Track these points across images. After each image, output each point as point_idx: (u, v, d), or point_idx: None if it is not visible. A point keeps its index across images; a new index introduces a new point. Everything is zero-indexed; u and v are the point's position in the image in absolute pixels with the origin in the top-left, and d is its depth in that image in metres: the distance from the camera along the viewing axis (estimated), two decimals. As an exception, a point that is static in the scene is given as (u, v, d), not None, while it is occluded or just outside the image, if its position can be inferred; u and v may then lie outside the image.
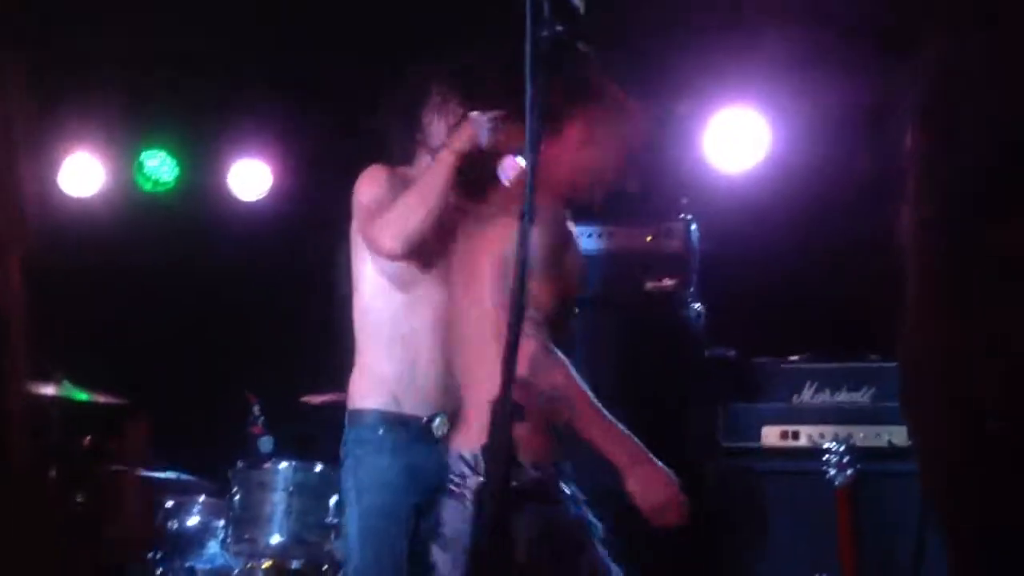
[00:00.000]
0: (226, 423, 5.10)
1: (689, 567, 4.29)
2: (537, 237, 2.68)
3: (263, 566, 4.73)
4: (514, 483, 2.41)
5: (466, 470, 2.83)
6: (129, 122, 6.38)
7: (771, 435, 4.63)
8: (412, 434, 3.23)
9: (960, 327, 1.26)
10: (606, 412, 2.77)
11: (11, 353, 1.09)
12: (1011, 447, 1.19)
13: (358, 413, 3.33)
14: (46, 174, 6.34)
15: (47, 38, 5.69)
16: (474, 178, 3.40)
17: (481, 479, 2.73)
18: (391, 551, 3.16)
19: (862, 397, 4.58)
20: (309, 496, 4.78)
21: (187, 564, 4.88)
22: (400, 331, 3.30)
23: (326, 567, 4.75)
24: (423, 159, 3.43)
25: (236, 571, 4.79)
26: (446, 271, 3.22)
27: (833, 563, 4.15)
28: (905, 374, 1.43)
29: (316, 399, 4.95)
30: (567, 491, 2.89)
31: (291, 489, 4.75)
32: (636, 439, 2.78)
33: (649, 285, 4.79)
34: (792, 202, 5.26)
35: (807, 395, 4.64)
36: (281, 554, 4.78)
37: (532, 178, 2.70)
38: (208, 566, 4.91)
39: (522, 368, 2.66)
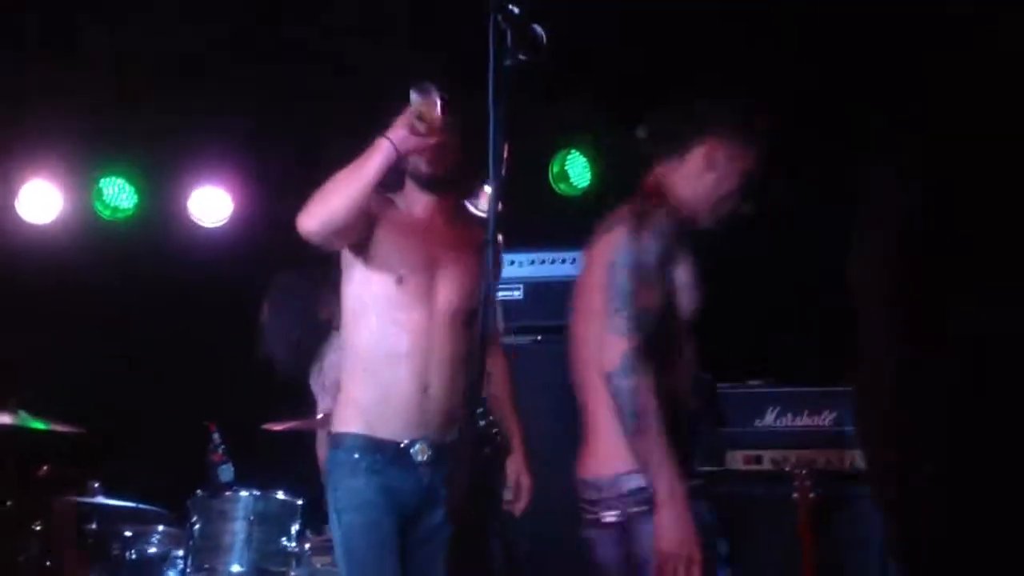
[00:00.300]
0: (185, 451, 5.05)
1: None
2: (649, 244, 2.77)
3: (223, 596, 4.69)
4: None
5: (595, 495, 2.84)
6: (87, 149, 6.33)
7: (735, 459, 4.66)
8: (387, 458, 3.21)
9: (901, 379, 1.28)
10: (666, 438, 2.72)
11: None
12: (947, 486, 1.21)
13: (336, 436, 3.32)
14: (4, 201, 6.28)
15: (5, 65, 5.66)
16: (454, 206, 3.40)
17: (613, 502, 2.76)
18: (378, 568, 3.14)
19: (823, 421, 4.62)
20: (270, 525, 4.74)
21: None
22: (376, 357, 3.27)
23: (287, 596, 4.71)
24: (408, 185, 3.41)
25: (196, 601, 4.74)
26: (427, 297, 3.23)
27: (797, 585, 4.17)
28: (855, 413, 1.45)
29: (277, 427, 4.91)
30: None
31: (252, 518, 4.71)
32: (679, 476, 2.73)
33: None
34: (752, 229, 5.29)
35: (769, 419, 4.67)
36: (242, 583, 4.73)
37: (496, 203, 2.72)
38: (167, 596, 4.84)
39: (609, 363, 2.66)
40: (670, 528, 2.70)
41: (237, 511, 4.72)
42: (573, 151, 5.90)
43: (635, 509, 2.75)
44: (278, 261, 6.23)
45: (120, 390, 6.08)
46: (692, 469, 2.74)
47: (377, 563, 3.12)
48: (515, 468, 3.53)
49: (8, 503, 5.04)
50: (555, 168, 5.91)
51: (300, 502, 4.85)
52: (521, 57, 2.68)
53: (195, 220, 6.37)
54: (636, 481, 2.74)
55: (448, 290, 3.28)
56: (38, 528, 4.92)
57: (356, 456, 3.20)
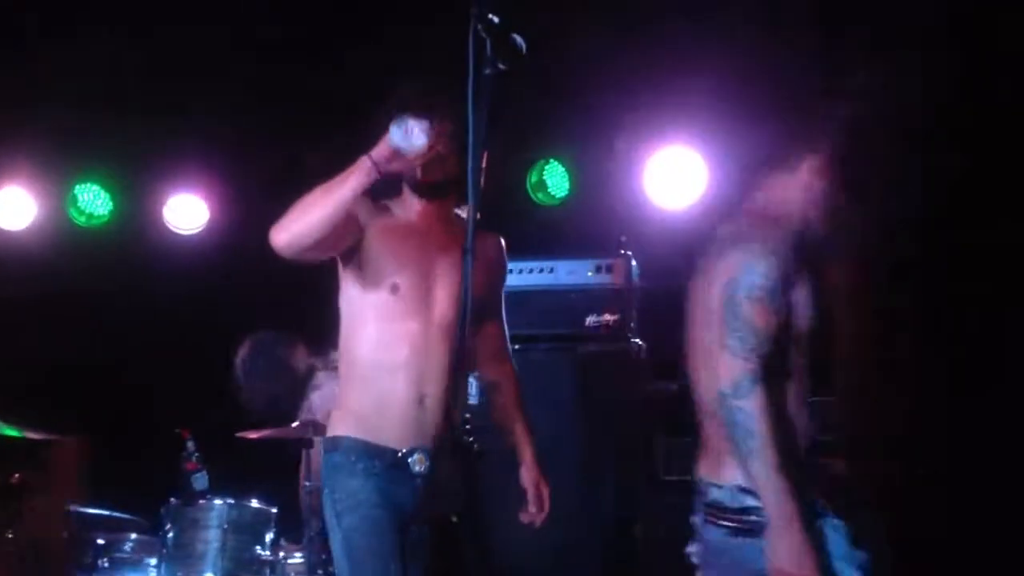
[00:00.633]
0: (159, 459, 5.02)
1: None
2: (763, 266, 2.71)
3: (197, 604, 4.67)
4: None
5: (719, 496, 2.82)
6: (62, 155, 6.30)
7: (710, 469, 4.66)
8: (384, 464, 3.16)
9: (884, 392, 1.28)
10: (781, 460, 2.69)
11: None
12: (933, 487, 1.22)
13: (332, 440, 3.27)
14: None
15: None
16: (451, 212, 3.37)
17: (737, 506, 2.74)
18: (380, 568, 3.07)
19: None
20: (244, 533, 4.73)
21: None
22: (373, 367, 3.22)
23: (261, 605, 4.69)
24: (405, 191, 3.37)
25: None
26: (423, 305, 3.20)
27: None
28: (843, 425, 1.45)
29: (252, 435, 4.90)
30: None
31: (226, 526, 4.70)
32: (795, 498, 2.68)
33: (590, 320, 4.82)
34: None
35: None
36: (215, 592, 4.71)
37: (474, 213, 2.72)
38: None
39: (724, 383, 2.70)
40: (786, 552, 2.65)
41: (211, 519, 4.71)
42: (551, 161, 5.90)
43: (743, 526, 2.74)
44: (254, 270, 6.23)
45: (94, 397, 6.04)
46: (807, 491, 2.72)
47: (379, 563, 3.06)
48: (532, 478, 3.45)
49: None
50: (533, 177, 5.92)
51: (274, 511, 4.84)
52: (501, 66, 2.69)
53: (171, 227, 6.34)
54: (750, 500, 2.72)
55: (445, 298, 3.23)
56: (10, 536, 4.87)
57: (353, 459, 3.17)
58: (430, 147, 3.07)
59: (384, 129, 3.11)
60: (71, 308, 6.16)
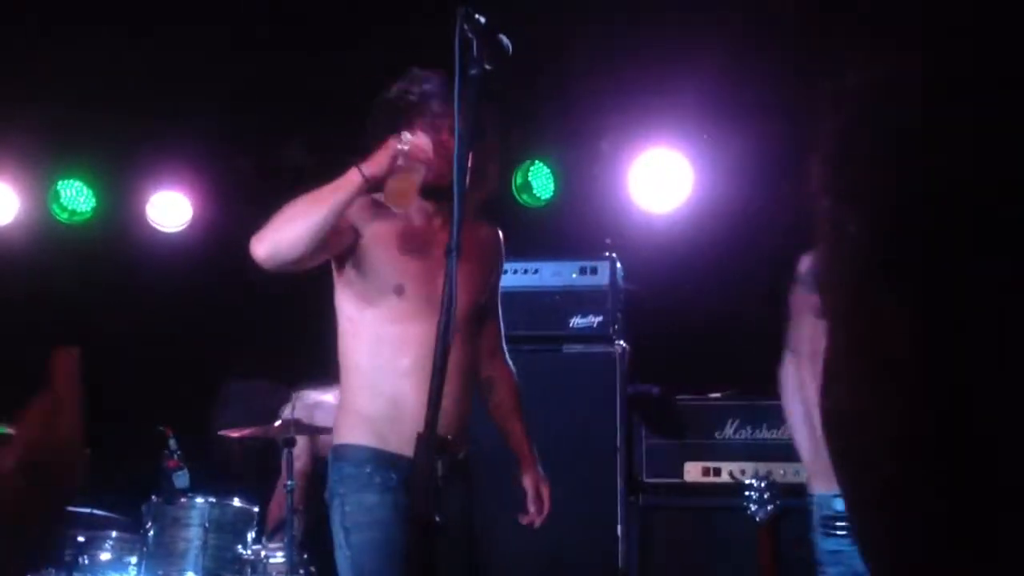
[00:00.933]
0: (141, 456, 5.00)
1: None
2: None
3: (177, 603, 4.65)
4: None
5: (838, 505, 2.81)
6: (44, 151, 6.26)
7: (693, 471, 4.68)
8: (400, 474, 2.99)
9: (861, 388, 1.27)
10: None
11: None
12: (909, 491, 1.21)
13: (343, 448, 3.12)
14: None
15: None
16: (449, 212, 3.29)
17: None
18: None
19: (782, 434, 4.64)
20: (226, 532, 4.71)
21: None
22: (380, 373, 3.11)
23: (242, 604, 4.68)
24: None
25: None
26: (429, 307, 3.03)
27: (754, 598, 4.18)
28: (823, 427, 1.45)
29: (234, 433, 4.88)
30: None
31: (207, 525, 4.68)
32: None
33: (574, 322, 4.82)
34: (714, 242, 5.34)
35: (729, 432, 4.70)
36: (196, 590, 4.70)
37: (460, 212, 2.72)
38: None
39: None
40: None
41: (192, 518, 4.69)
42: (536, 162, 5.90)
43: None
44: (238, 268, 6.21)
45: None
46: None
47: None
48: (531, 478, 3.37)
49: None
50: (518, 179, 5.92)
51: (256, 509, 4.83)
52: (487, 67, 2.69)
53: (154, 225, 6.32)
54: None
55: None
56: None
57: (368, 470, 3.02)
58: (429, 163, 3.02)
59: (379, 138, 3.05)
60: (53, 305, 6.12)
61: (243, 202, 6.29)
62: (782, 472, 4.52)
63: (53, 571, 4.76)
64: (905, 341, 1.22)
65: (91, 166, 6.35)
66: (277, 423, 4.84)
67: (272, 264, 3.07)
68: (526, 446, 3.43)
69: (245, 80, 5.79)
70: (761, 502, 4.24)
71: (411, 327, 3.10)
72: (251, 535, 4.73)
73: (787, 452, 4.61)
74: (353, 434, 3.11)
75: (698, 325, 5.31)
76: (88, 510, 4.90)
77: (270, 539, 4.88)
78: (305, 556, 4.70)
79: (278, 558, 4.67)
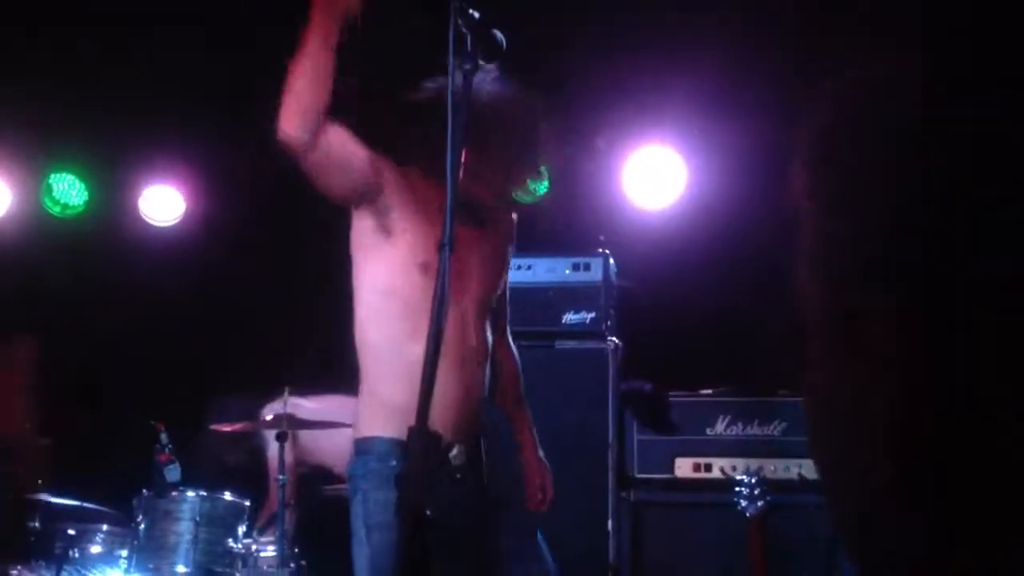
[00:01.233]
0: (132, 450, 5.00)
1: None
2: None
3: (168, 596, 4.66)
4: None
5: None
6: (37, 144, 6.25)
7: (684, 467, 4.69)
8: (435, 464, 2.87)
9: (845, 382, 1.27)
10: None
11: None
12: (899, 493, 1.21)
13: (367, 442, 3.00)
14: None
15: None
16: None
17: None
18: None
19: (773, 431, 4.66)
20: (216, 526, 4.71)
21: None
22: (407, 358, 2.94)
23: (232, 598, 4.68)
24: None
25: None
26: (458, 288, 2.95)
27: (744, 594, 4.20)
28: (805, 423, 1.44)
29: (225, 428, 4.88)
30: None
31: (198, 519, 4.68)
32: None
33: (567, 318, 4.83)
34: (707, 239, 5.35)
35: (720, 428, 4.71)
36: (186, 584, 4.70)
37: (452, 206, 2.71)
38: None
39: None
40: None
41: (183, 511, 4.69)
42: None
43: None
44: (230, 262, 6.21)
45: (67, 387, 6.01)
46: None
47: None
48: (534, 461, 3.33)
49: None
50: (510, 175, 5.91)
51: (247, 503, 4.83)
52: (481, 62, 2.69)
53: (147, 219, 6.31)
54: None
55: (479, 278, 3.07)
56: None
57: (393, 464, 2.90)
58: None
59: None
60: (46, 299, 6.12)
61: (236, 197, 6.30)
62: (772, 468, 4.53)
63: (43, 564, 4.76)
64: (900, 340, 1.21)
65: (84, 160, 6.34)
66: (269, 417, 4.84)
67: (302, 135, 2.92)
68: (529, 430, 3.39)
69: (239, 74, 5.78)
70: (751, 498, 4.26)
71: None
72: (242, 529, 4.73)
73: (777, 448, 4.64)
74: (376, 426, 2.99)
75: (691, 322, 5.32)
76: (79, 503, 4.90)
77: (261, 533, 4.88)
78: (296, 550, 4.71)
79: (269, 552, 4.68)
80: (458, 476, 2.97)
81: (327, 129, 2.93)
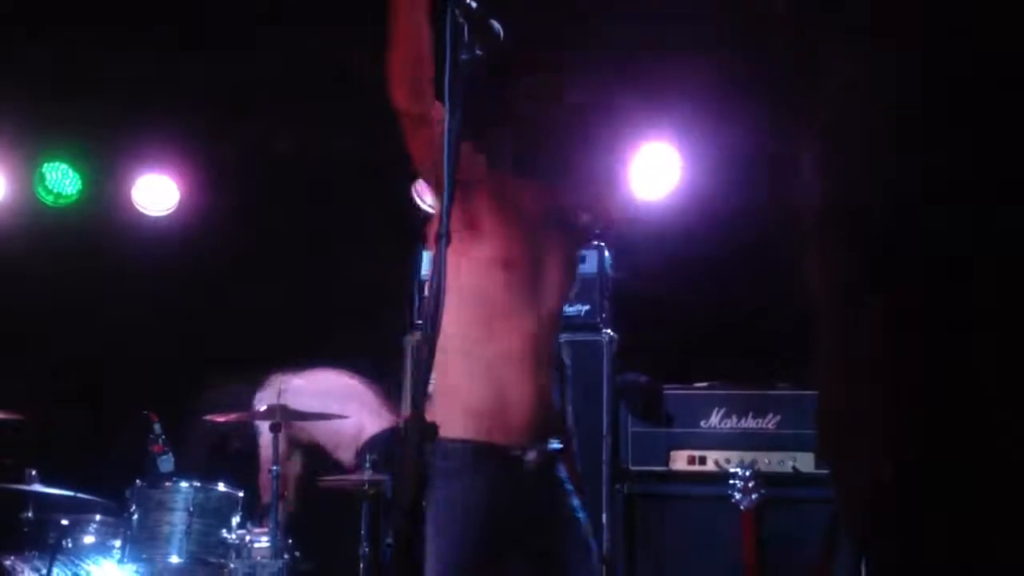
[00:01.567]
0: (126, 441, 4.99)
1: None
2: None
3: (160, 586, 4.66)
4: None
5: None
6: (30, 132, 6.23)
7: (679, 459, 4.69)
8: (503, 468, 2.88)
9: (856, 381, 1.26)
10: None
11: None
12: (910, 490, 1.20)
13: (442, 442, 2.89)
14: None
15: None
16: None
17: None
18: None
19: (767, 424, 4.67)
20: (210, 516, 4.71)
21: (81, 585, 4.76)
22: (485, 358, 2.93)
23: (225, 588, 4.68)
24: None
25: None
26: (533, 286, 2.95)
27: (737, 586, 4.20)
28: (816, 425, 1.43)
29: (219, 418, 4.88)
30: None
31: (191, 509, 4.68)
32: None
33: (561, 309, 4.82)
34: (702, 232, 5.35)
35: (714, 421, 4.71)
36: (179, 574, 4.70)
37: (449, 199, 2.71)
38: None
39: None
40: None
41: (177, 502, 4.69)
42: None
43: None
44: (224, 252, 6.20)
45: (60, 378, 6.00)
46: None
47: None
48: (569, 464, 3.35)
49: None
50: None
51: (240, 494, 4.83)
52: (478, 52, 2.67)
53: (140, 208, 6.29)
54: None
55: (556, 284, 3.02)
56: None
57: (468, 463, 2.86)
58: None
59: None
60: (39, 289, 6.11)
61: (230, 187, 6.29)
62: (767, 461, 4.54)
63: (37, 554, 4.76)
64: (899, 340, 1.21)
65: (77, 149, 6.32)
66: (262, 408, 4.84)
67: (413, 96, 2.86)
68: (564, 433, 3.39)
69: (233, 64, 5.77)
70: (746, 491, 4.27)
71: (519, 305, 2.96)
72: (236, 519, 4.73)
73: (772, 441, 4.64)
74: (453, 426, 2.88)
75: (686, 315, 5.32)
76: (72, 493, 4.89)
77: (257, 523, 4.88)
78: (290, 541, 4.71)
79: (262, 542, 4.68)
80: (531, 481, 2.90)
81: (439, 106, 2.75)
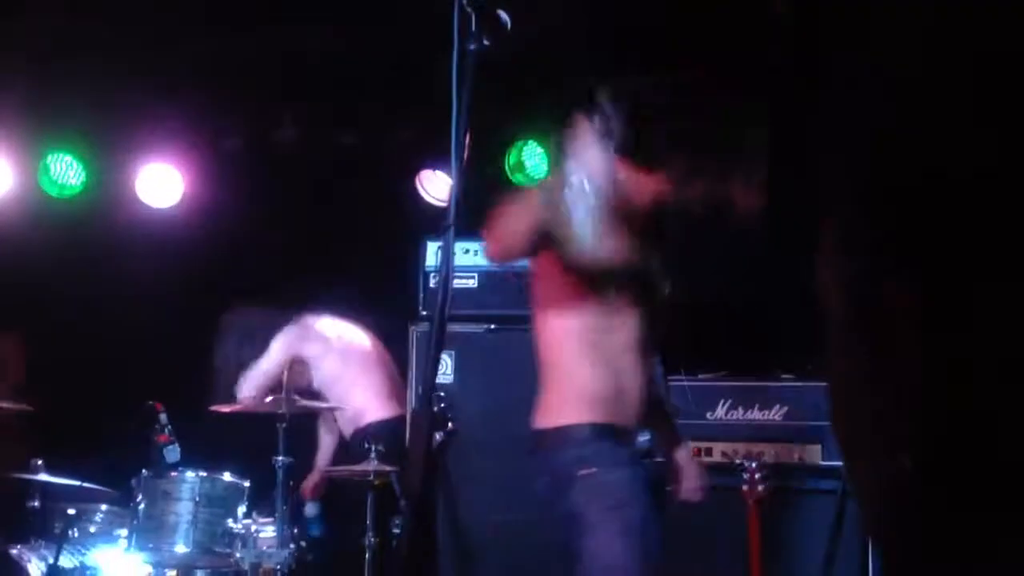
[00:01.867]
0: (132, 431, 5.00)
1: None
2: None
3: (167, 575, 4.67)
4: None
5: None
6: (34, 123, 6.22)
7: (685, 450, 4.70)
8: (630, 449, 3.12)
9: (871, 373, 1.26)
10: None
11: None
12: (925, 480, 1.20)
13: (569, 430, 3.09)
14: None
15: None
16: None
17: None
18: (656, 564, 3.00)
19: (774, 415, 4.67)
20: (216, 506, 4.72)
21: (88, 572, 4.77)
22: (607, 346, 3.11)
23: (231, 577, 4.70)
24: None
25: (139, 581, 4.71)
26: (646, 296, 3.17)
27: (743, 576, 4.21)
28: (830, 415, 1.44)
29: (225, 408, 4.89)
30: None
31: (197, 499, 4.69)
32: None
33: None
34: (704, 220, 5.33)
35: (720, 412, 4.72)
36: (185, 564, 4.71)
37: (458, 188, 2.71)
38: (110, 574, 4.79)
39: None
40: None
41: (183, 492, 4.70)
42: (530, 141, 5.89)
43: None
44: (228, 244, 6.20)
45: (66, 369, 6.01)
46: None
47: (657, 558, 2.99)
48: (686, 454, 3.51)
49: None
50: (512, 158, 5.90)
51: (247, 484, 4.84)
52: (485, 42, 2.68)
53: (145, 199, 6.29)
54: None
55: (659, 282, 3.24)
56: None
57: (608, 444, 3.04)
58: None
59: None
60: (45, 279, 6.11)
61: (235, 178, 6.29)
62: (773, 452, 4.54)
63: (43, 543, 4.77)
64: (919, 332, 1.20)
65: (82, 140, 6.32)
66: (268, 399, 4.84)
67: (504, 259, 3.28)
68: (674, 428, 3.51)
69: (240, 55, 5.76)
70: (752, 482, 4.28)
71: (630, 302, 3.14)
72: (242, 509, 4.74)
73: (778, 433, 4.64)
74: (580, 413, 3.08)
75: (691, 305, 5.31)
76: (78, 483, 4.90)
77: (264, 513, 4.87)
78: (295, 530, 4.72)
79: (268, 532, 4.69)
80: (644, 460, 3.14)
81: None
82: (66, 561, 4.69)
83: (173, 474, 4.76)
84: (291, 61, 5.77)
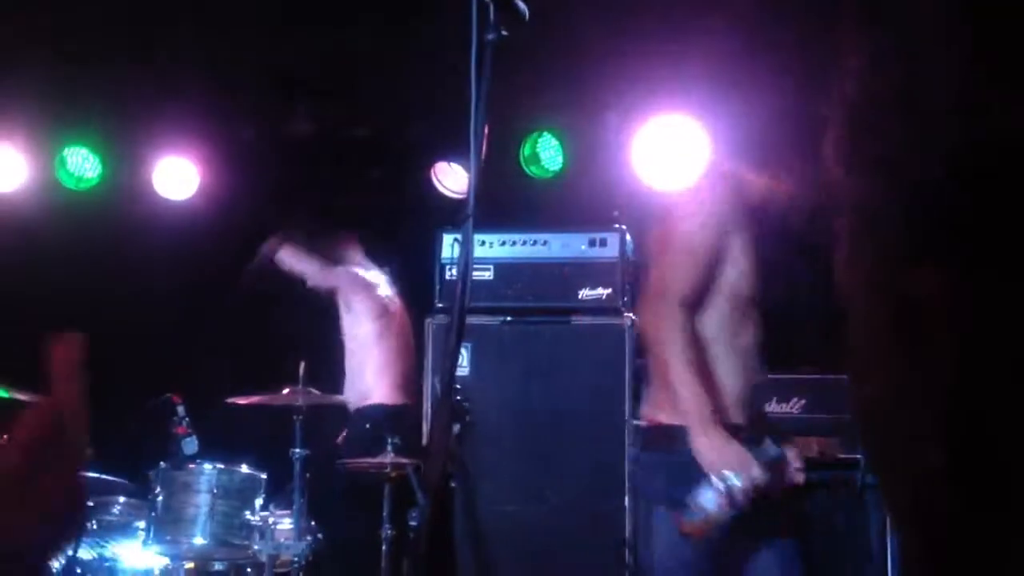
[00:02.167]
0: (149, 423, 5.02)
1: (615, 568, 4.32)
2: None
3: (185, 567, 4.68)
4: None
5: None
6: (52, 117, 6.23)
7: (703, 443, 4.68)
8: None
9: (898, 372, 1.23)
10: None
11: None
12: (954, 478, 1.18)
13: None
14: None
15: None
16: None
17: None
18: None
19: (792, 408, 4.65)
20: (233, 498, 4.73)
21: (106, 564, 4.79)
22: (738, 347, 3.29)
23: (249, 569, 4.71)
24: None
25: (158, 572, 4.72)
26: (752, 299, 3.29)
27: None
28: (855, 418, 1.42)
29: (242, 401, 4.90)
30: None
31: (215, 491, 4.70)
32: None
33: (583, 294, 4.82)
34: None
35: (737, 404, 4.70)
36: (203, 555, 4.72)
37: (476, 179, 2.71)
38: (128, 566, 4.81)
39: None
40: None
41: (200, 484, 4.72)
42: (545, 133, 5.88)
43: None
44: (244, 236, 6.21)
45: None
46: None
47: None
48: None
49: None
50: (527, 150, 5.89)
51: (264, 476, 4.85)
52: (503, 32, 2.67)
53: (161, 192, 6.30)
54: None
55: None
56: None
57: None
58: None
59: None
60: (61, 271, 6.13)
61: (250, 170, 6.29)
62: (791, 445, 4.52)
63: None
64: (957, 322, 1.17)
65: (99, 133, 6.33)
66: (285, 391, 4.84)
67: None
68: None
69: (255, 48, 5.76)
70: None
71: (751, 302, 3.32)
72: (259, 501, 4.76)
73: (797, 426, 4.62)
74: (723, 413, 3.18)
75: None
76: (97, 475, 4.92)
77: (281, 505, 4.88)
78: (312, 523, 4.72)
79: (285, 524, 4.70)
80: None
81: None
82: (85, 553, 4.70)
83: (191, 466, 4.78)
84: (305, 54, 5.77)
